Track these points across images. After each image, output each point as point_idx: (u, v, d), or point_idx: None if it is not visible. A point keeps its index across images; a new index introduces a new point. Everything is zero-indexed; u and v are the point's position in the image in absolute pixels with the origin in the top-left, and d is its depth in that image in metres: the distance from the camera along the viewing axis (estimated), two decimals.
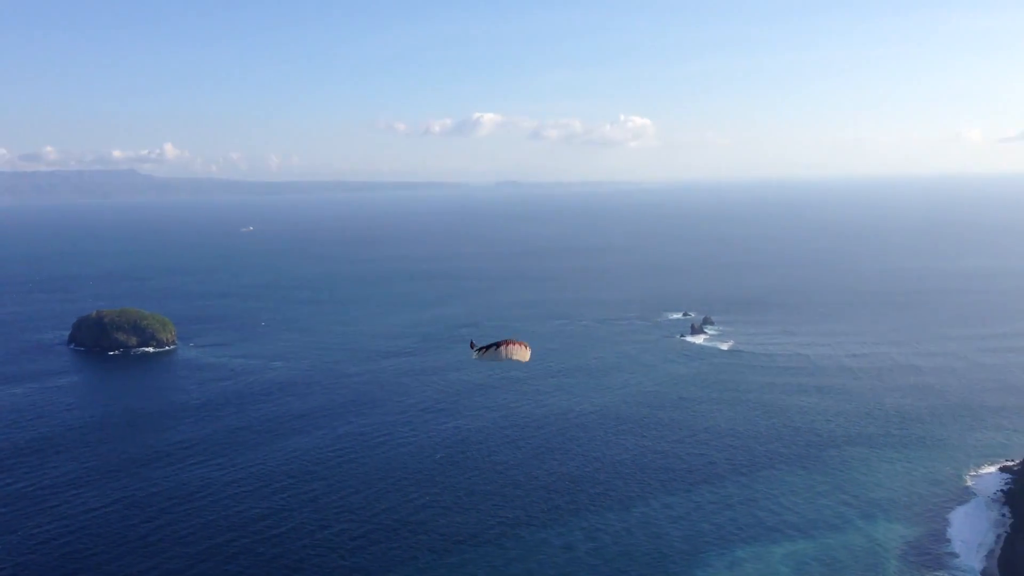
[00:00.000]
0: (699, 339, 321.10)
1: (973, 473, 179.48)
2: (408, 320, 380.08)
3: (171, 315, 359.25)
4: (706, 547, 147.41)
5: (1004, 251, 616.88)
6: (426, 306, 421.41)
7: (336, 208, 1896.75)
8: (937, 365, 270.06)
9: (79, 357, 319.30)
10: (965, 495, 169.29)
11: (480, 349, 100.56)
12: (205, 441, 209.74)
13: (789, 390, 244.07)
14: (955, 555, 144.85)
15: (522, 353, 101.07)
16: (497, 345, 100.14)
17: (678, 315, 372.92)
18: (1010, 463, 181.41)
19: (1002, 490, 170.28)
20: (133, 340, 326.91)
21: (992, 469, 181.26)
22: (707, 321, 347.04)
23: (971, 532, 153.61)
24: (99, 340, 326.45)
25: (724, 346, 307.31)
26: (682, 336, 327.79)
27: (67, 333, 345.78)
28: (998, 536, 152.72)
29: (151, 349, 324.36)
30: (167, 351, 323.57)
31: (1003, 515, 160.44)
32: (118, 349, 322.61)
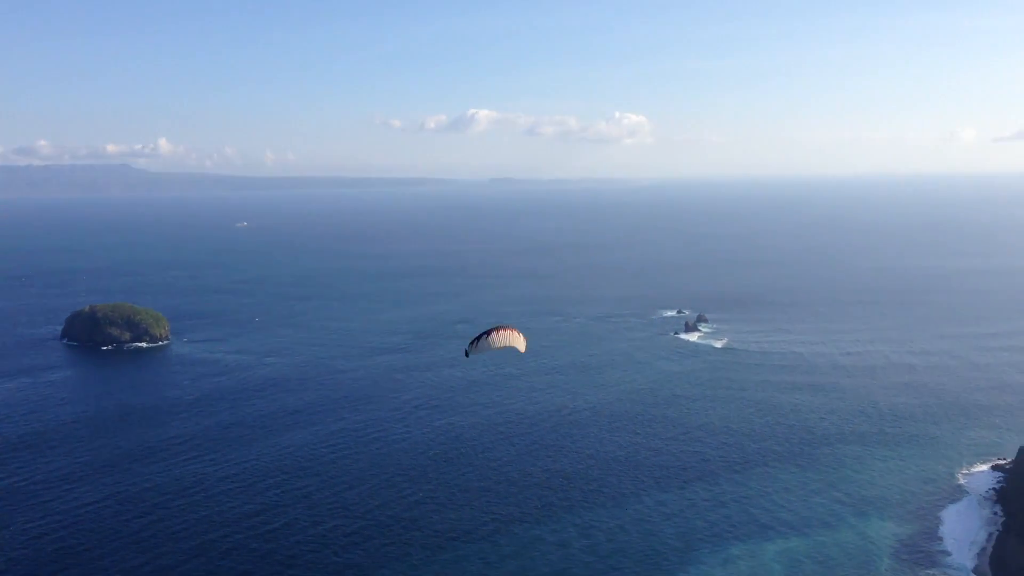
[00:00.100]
0: (693, 336, 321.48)
1: (965, 471, 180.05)
2: (402, 316, 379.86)
3: (164, 310, 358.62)
4: (699, 544, 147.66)
5: (998, 250, 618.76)
6: (420, 302, 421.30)
7: (331, 204, 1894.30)
8: (931, 363, 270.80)
9: (72, 352, 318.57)
10: (957, 493, 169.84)
11: (471, 343, 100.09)
12: (198, 437, 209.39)
13: (783, 388, 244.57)
14: (947, 553, 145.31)
15: (515, 339, 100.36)
16: (487, 333, 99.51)
17: (672, 312, 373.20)
18: (1002, 461, 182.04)
19: (994, 488, 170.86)
20: (126, 335, 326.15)
21: (984, 467, 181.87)
22: (701, 319, 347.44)
23: (963, 530, 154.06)
24: (92, 335, 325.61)
25: (718, 344, 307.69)
26: (676, 333, 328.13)
27: (60, 328, 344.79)
28: (990, 534, 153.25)
29: (144, 344, 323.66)
30: (160, 346, 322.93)
31: (995, 513, 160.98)
32: (111, 344, 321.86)
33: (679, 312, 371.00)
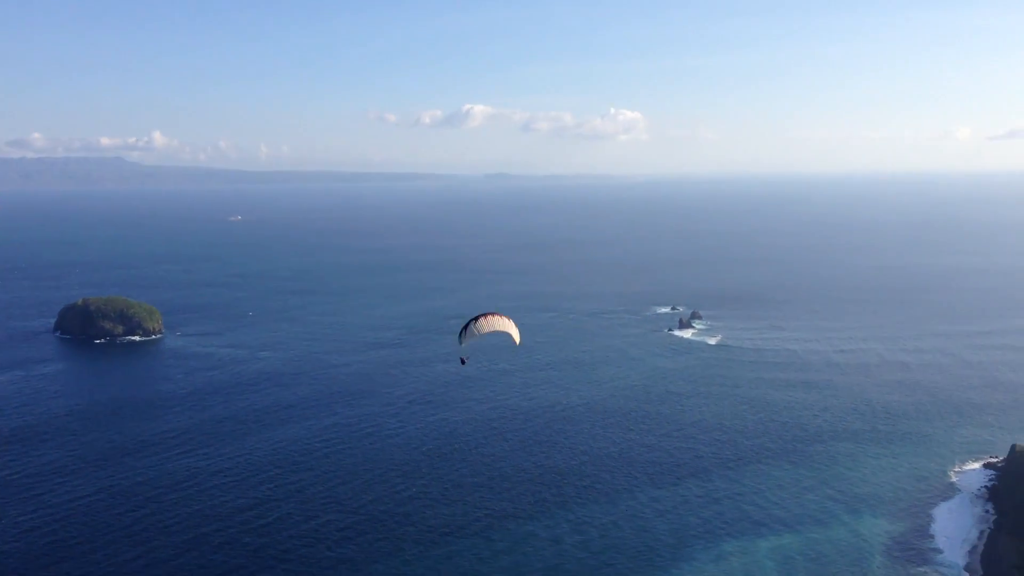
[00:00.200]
0: (687, 333, 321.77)
1: (957, 469, 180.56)
2: (396, 311, 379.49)
3: (158, 304, 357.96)
4: (692, 540, 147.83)
5: (992, 248, 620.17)
6: (414, 297, 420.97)
7: (325, 198, 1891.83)
8: (924, 361, 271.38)
9: (65, 345, 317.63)
10: (949, 491, 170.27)
11: (461, 334, 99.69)
12: (191, 431, 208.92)
13: (776, 385, 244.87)
14: (939, 551, 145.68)
15: (505, 324, 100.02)
16: (475, 320, 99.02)
17: (666, 309, 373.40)
18: (994, 459, 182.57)
19: (986, 486, 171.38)
20: (119, 328, 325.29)
21: (976, 465, 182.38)
22: (695, 315, 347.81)
23: (955, 528, 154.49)
24: (85, 328, 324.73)
25: (712, 341, 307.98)
26: (670, 330, 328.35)
27: (53, 321, 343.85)
28: (981, 532, 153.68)
29: (137, 338, 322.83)
30: (154, 340, 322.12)
31: (987, 511, 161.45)
32: (104, 337, 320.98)
33: (673, 309, 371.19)
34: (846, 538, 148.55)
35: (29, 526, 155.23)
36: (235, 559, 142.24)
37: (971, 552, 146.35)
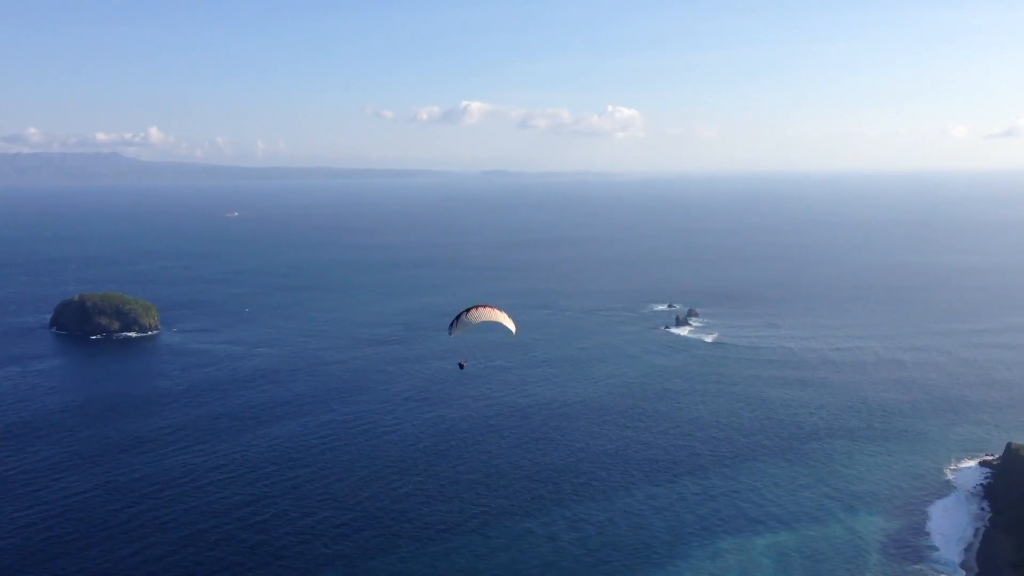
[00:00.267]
0: (683, 331, 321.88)
1: (953, 467, 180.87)
2: (393, 308, 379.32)
3: (154, 300, 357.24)
4: (689, 538, 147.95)
5: (989, 247, 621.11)
6: (411, 294, 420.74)
7: (322, 195, 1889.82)
8: (920, 360, 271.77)
9: (61, 341, 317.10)
10: (945, 489, 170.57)
11: (451, 325, 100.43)
12: (187, 427, 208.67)
13: (773, 383, 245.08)
14: (935, 548, 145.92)
15: (498, 315, 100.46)
16: (467, 310, 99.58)
17: (663, 307, 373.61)
18: (990, 457, 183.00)
19: (981, 484, 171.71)
20: (115, 324, 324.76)
21: (972, 463, 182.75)
22: (692, 313, 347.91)
23: (950, 526, 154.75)
24: (81, 324, 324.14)
25: (708, 338, 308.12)
26: (666, 328, 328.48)
27: (49, 316, 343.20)
28: (976, 530, 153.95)
29: (134, 334, 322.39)
30: (150, 336, 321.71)
31: (982, 509, 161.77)
32: (100, 333, 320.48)
33: (670, 306, 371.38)
34: (842, 535, 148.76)
35: (25, 522, 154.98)
36: (231, 555, 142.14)
37: (967, 550, 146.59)
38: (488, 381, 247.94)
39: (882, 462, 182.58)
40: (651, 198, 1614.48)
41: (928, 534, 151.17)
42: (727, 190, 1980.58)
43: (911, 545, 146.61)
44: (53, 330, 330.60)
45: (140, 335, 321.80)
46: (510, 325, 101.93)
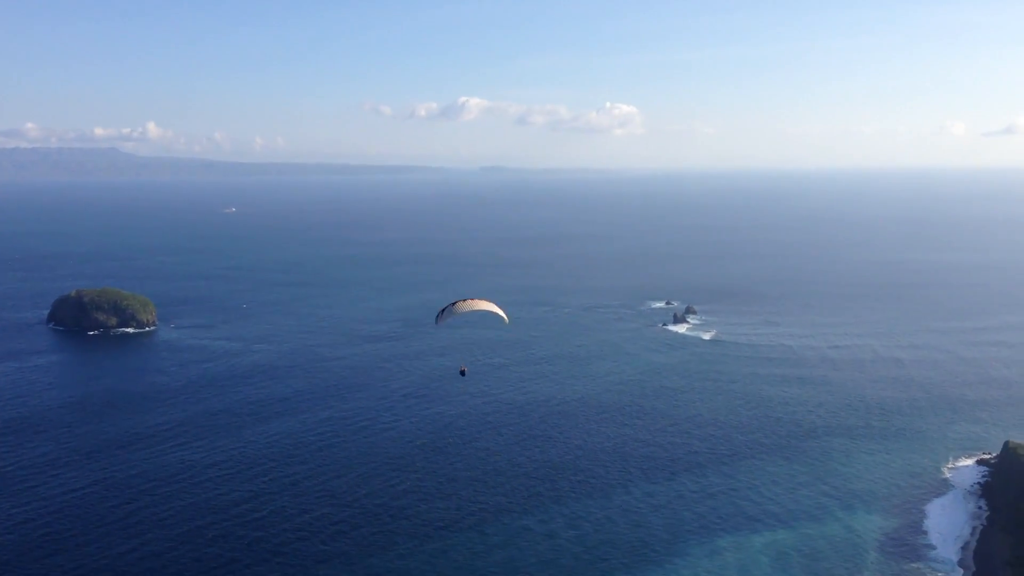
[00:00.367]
0: (681, 328, 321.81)
1: (951, 466, 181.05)
2: (391, 305, 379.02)
3: (152, 296, 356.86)
4: (687, 536, 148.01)
5: (987, 245, 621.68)
6: (409, 291, 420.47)
7: (320, 191, 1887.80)
8: (918, 358, 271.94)
9: (58, 337, 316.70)
10: (943, 487, 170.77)
11: (437, 316, 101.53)
12: (185, 423, 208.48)
13: (771, 380, 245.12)
14: (932, 547, 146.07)
15: (487, 305, 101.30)
16: (454, 303, 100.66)
17: (661, 304, 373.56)
18: (987, 456, 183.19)
19: (979, 483, 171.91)
20: (113, 320, 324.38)
21: (970, 462, 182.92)
22: (690, 310, 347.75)
23: (948, 524, 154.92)
24: (79, 320, 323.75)
25: (706, 336, 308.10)
26: (664, 325, 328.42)
27: (46, 312, 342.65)
28: (974, 529, 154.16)
29: (131, 330, 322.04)
30: (147, 332, 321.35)
31: (979, 508, 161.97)
32: (98, 329, 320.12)
33: (668, 303, 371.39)
34: (840, 534, 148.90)
35: (23, 518, 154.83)
36: (229, 552, 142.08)
37: (964, 548, 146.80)
38: (486, 378, 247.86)
39: (880, 460, 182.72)
40: (650, 195, 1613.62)
41: (926, 532, 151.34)
42: (726, 187, 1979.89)
43: (909, 543, 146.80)
44: (50, 326, 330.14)
45: (138, 331, 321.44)
46: (499, 312, 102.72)
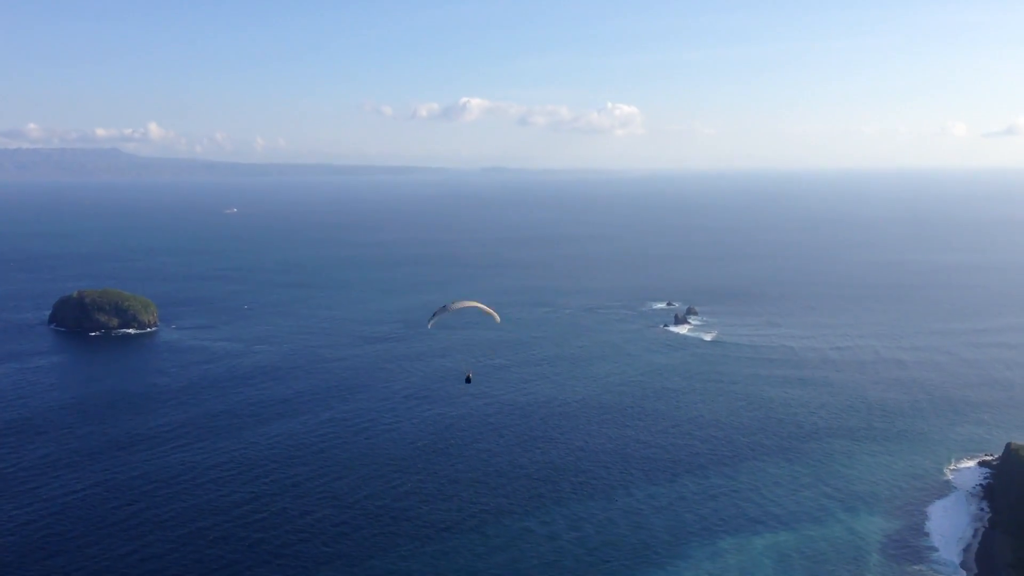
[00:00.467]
0: (683, 329, 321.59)
1: (953, 467, 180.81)
2: (392, 306, 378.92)
3: (153, 296, 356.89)
4: (688, 537, 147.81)
5: (989, 246, 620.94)
6: (410, 292, 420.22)
7: (321, 191, 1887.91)
8: (920, 359, 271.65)
9: (59, 337, 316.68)
10: (945, 489, 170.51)
11: (431, 318, 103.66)
12: (187, 424, 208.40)
13: (773, 382, 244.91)
14: (934, 549, 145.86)
15: (477, 304, 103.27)
16: (444, 306, 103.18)
17: (662, 305, 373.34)
18: (989, 457, 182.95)
19: (981, 484, 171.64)
20: (114, 321, 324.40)
21: (971, 463, 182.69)
22: (691, 311, 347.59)
23: (950, 526, 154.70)
24: (80, 321, 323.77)
25: (708, 336, 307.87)
26: (666, 326, 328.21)
27: (47, 313, 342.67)
28: (976, 530, 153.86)
29: (132, 331, 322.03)
30: (149, 333, 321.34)
31: (982, 510, 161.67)
32: (99, 330, 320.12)
33: (669, 304, 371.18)
34: (842, 536, 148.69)
35: (24, 520, 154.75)
36: (231, 554, 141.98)
37: (966, 550, 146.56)
38: (487, 379, 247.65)
39: (882, 462, 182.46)
40: (650, 195, 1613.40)
41: (928, 534, 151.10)
42: (726, 187, 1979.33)
43: (911, 545, 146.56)
44: (52, 327, 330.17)
45: (139, 332, 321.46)
46: (490, 311, 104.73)
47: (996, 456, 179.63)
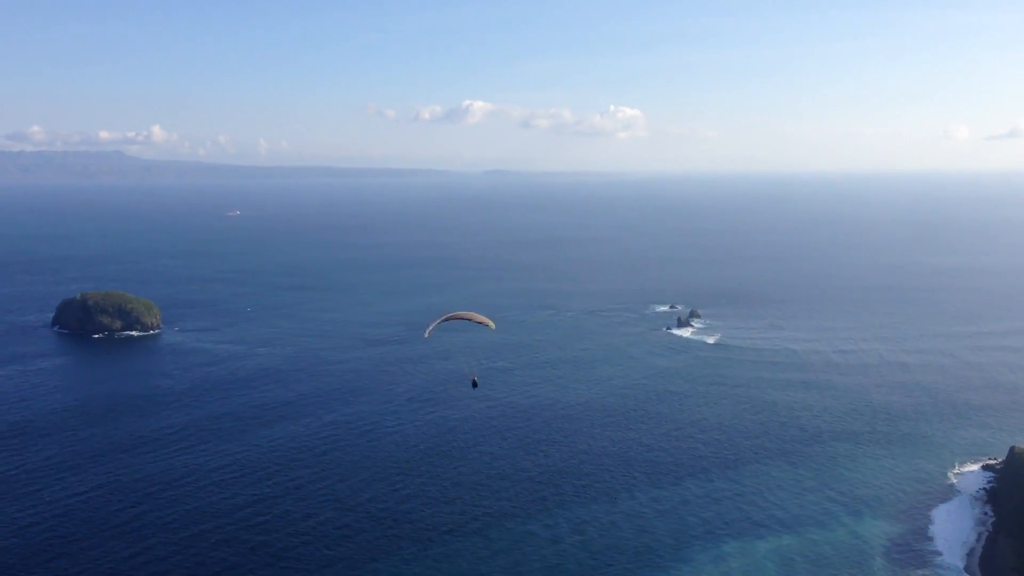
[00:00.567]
0: (685, 332, 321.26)
1: (957, 471, 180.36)
2: (395, 308, 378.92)
3: (156, 299, 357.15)
4: (692, 541, 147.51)
5: (992, 249, 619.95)
6: (413, 294, 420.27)
7: (324, 194, 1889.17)
8: (924, 362, 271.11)
9: (63, 340, 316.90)
10: (949, 493, 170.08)
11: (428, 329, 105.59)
12: (189, 427, 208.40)
13: (776, 385, 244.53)
14: (938, 553, 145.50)
15: (473, 315, 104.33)
16: (439, 318, 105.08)
17: (664, 307, 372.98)
18: (993, 461, 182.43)
19: (984, 488, 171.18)
20: (117, 323, 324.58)
21: (975, 467, 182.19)
22: (693, 314, 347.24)
23: (954, 530, 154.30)
24: (83, 323, 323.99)
25: (710, 340, 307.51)
26: (668, 329, 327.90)
27: (51, 315, 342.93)
28: (980, 534, 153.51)
29: (135, 333, 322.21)
30: (151, 335, 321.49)
31: (985, 514, 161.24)
32: (102, 332, 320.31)
33: (672, 307, 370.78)
34: (846, 539, 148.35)
35: (27, 522, 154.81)
36: (233, 556, 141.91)
37: (970, 554, 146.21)
38: (490, 382, 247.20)
39: (886, 465, 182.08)
40: (653, 198, 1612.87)
41: (931, 539, 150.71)
42: (729, 190, 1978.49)
43: (914, 549, 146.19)
44: (55, 329, 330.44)
45: (142, 334, 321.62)
46: (485, 320, 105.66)
47: (1000, 460, 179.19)
